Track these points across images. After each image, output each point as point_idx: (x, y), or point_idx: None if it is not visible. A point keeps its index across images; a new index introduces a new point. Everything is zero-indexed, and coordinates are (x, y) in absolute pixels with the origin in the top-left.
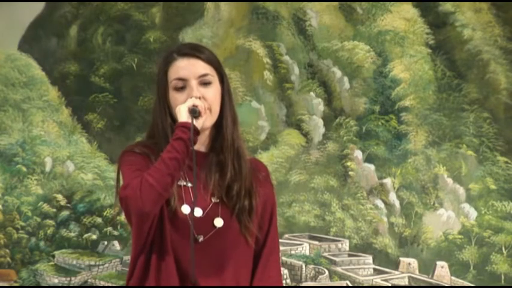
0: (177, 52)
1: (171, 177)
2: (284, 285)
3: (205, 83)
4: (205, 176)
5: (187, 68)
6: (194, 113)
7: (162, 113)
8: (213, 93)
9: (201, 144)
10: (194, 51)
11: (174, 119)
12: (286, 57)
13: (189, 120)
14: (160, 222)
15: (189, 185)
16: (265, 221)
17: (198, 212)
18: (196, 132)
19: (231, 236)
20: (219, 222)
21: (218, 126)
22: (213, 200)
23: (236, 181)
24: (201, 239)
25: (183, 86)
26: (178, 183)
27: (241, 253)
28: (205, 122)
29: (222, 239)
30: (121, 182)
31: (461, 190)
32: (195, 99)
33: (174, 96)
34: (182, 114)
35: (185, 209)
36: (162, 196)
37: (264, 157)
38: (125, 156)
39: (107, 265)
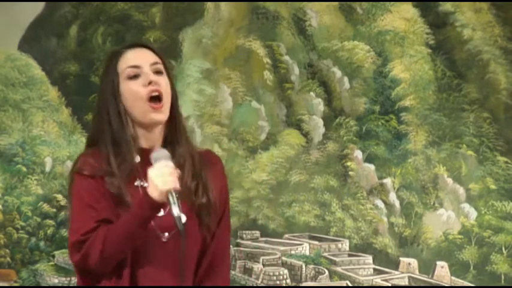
0: (124, 47)
1: (132, 245)
2: (284, 285)
3: (157, 72)
4: None
5: (139, 56)
6: (182, 224)
7: (115, 109)
8: (166, 82)
9: (154, 141)
10: (141, 43)
11: (128, 111)
12: (286, 57)
13: (166, 200)
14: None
15: (145, 184)
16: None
17: (160, 212)
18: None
19: (192, 233)
20: (183, 217)
21: (169, 122)
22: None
23: (194, 178)
24: (165, 237)
25: (136, 74)
26: (135, 183)
27: (200, 250)
28: (164, 115)
29: (185, 237)
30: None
31: (461, 190)
32: (166, 179)
33: (128, 85)
34: (159, 187)
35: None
36: (123, 255)
37: (264, 157)
38: (74, 182)
39: None
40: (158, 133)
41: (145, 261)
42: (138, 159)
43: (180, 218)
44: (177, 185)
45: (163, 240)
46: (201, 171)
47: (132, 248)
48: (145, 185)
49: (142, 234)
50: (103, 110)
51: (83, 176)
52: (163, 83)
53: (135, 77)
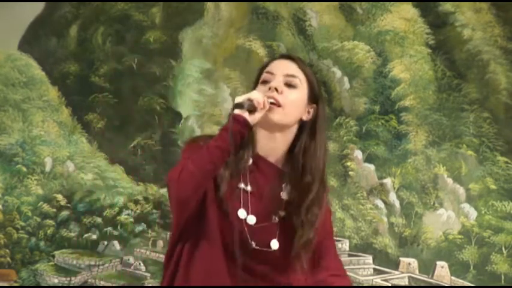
0: (280, 55)
1: (212, 165)
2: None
3: (290, 85)
4: (270, 189)
5: (279, 65)
6: (238, 106)
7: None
8: (294, 96)
9: (274, 157)
10: (296, 58)
11: None
12: None
13: (241, 113)
14: (208, 217)
15: (249, 189)
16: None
17: (252, 220)
18: (246, 124)
19: (282, 259)
20: (274, 244)
21: (299, 146)
22: (273, 219)
23: (310, 209)
24: (253, 245)
25: (269, 80)
26: (239, 185)
27: (286, 278)
28: (272, 115)
29: (272, 261)
30: None
31: (461, 190)
32: (257, 92)
33: (258, 87)
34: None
35: (241, 213)
36: (200, 183)
37: None
38: (186, 146)
39: (107, 265)
40: (279, 143)
41: (229, 261)
42: (250, 161)
43: (240, 103)
44: (253, 96)
45: (253, 246)
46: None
47: (210, 170)
48: (248, 189)
49: (226, 148)
50: None
51: (195, 143)
52: (289, 96)
53: (267, 82)
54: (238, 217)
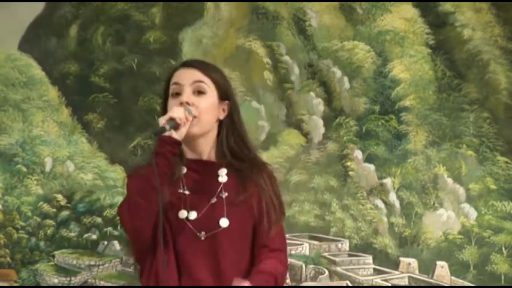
0: (182, 63)
1: (154, 191)
2: (284, 285)
3: (199, 91)
4: (205, 181)
5: (184, 74)
6: (160, 132)
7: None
8: (205, 102)
9: (199, 153)
10: (197, 64)
11: None
12: (286, 57)
13: (168, 133)
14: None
15: (186, 192)
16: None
17: (193, 215)
18: (175, 143)
19: (236, 238)
20: (224, 222)
21: (222, 142)
22: (211, 201)
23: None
24: (203, 236)
25: (178, 91)
26: (179, 190)
27: (244, 256)
28: (192, 129)
29: (226, 240)
30: None
31: (461, 190)
32: (175, 109)
33: (170, 102)
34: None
35: (181, 214)
36: (149, 210)
37: (264, 157)
38: (128, 179)
39: (107, 265)
40: (204, 145)
41: (192, 260)
42: (184, 170)
43: (163, 126)
44: (174, 114)
45: (202, 239)
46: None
47: (152, 195)
48: (186, 192)
49: (163, 172)
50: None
51: (136, 175)
52: (200, 104)
53: (177, 94)
54: (180, 219)
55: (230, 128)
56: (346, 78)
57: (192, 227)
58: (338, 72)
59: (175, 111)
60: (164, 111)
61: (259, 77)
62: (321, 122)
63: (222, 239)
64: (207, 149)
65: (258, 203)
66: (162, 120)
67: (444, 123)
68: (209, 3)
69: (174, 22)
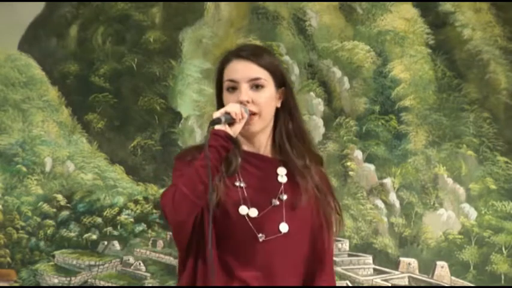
0: (234, 53)
1: (203, 185)
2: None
3: (256, 86)
4: (264, 178)
5: (240, 70)
6: (215, 122)
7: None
8: (263, 97)
9: (258, 147)
10: (251, 54)
11: None
12: (286, 57)
13: (222, 128)
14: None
15: (243, 185)
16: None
17: (254, 213)
18: (228, 138)
19: (293, 244)
20: (284, 227)
21: (281, 132)
22: (273, 203)
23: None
24: (262, 238)
25: (234, 87)
26: (235, 183)
27: (298, 264)
28: (252, 127)
29: (283, 246)
30: None
31: (461, 190)
32: (232, 104)
33: (226, 96)
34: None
35: (242, 209)
36: (195, 204)
37: None
38: (175, 163)
39: (106, 265)
40: (263, 139)
41: (241, 258)
42: (239, 160)
43: (218, 117)
44: (229, 109)
45: (260, 240)
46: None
47: (201, 191)
48: (243, 185)
49: (214, 166)
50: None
51: (183, 160)
52: (259, 99)
53: (233, 89)
54: (240, 214)
55: (287, 116)
56: (346, 78)
57: (252, 226)
58: (338, 72)
59: (232, 107)
60: (219, 106)
61: None
62: (321, 122)
63: (279, 244)
64: (264, 141)
65: (316, 207)
66: (217, 114)
67: (444, 123)
68: (209, 3)
69: (174, 22)
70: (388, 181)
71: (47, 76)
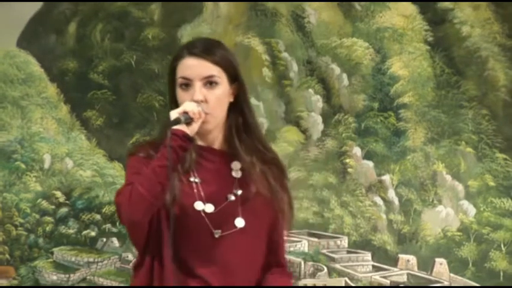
0: (187, 50)
1: (160, 186)
2: None
3: (210, 83)
4: (219, 173)
5: (193, 68)
6: (175, 123)
7: (171, 106)
8: (217, 95)
9: (210, 141)
10: (204, 51)
11: None
12: (285, 54)
13: (180, 127)
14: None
15: (197, 180)
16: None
17: (210, 208)
18: (187, 138)
19: (250, 239)
20: (239, 222)
21: (232, 125)
22: (228, 198)
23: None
24: (218, 234)
25: (188, 84)
26: (190, 179)
27: (256, 258)
28: (206, 125)
29: (240, 241)
30: None
31: (460, 187)
32: (189, 103)
33: (179, 93)
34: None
35: (198, 205)
36: (152, 205)
37: None
38: (128, 160)
39: (105, 262)
40: (216, 133)
41: (196, 255)
42: (193, 155)
43: (178, 117)
44: (187, 108)
45: (216, 236)
46: (264, 174)
47: (159, 191)
48: (197, 180)
49: (172, 166)
50: (168, 108)
51: (137, 157)
52: (212, 97)
53: (186, 86)
54: (195, 210)
55: (238, 111)
56: (344, 75)
57: (208, 222)
58: (337, 69)
59: (189, 106)
60: (173, 103)
61: (258, 73)
62: (319, 119)
63: (236, 239)
64: (217, 135)
65: (270, 201)
66: (175, 114)
67: (443, 120)
68: None
69: (172, 19)
70: (386, 178)
71: (45, 73)
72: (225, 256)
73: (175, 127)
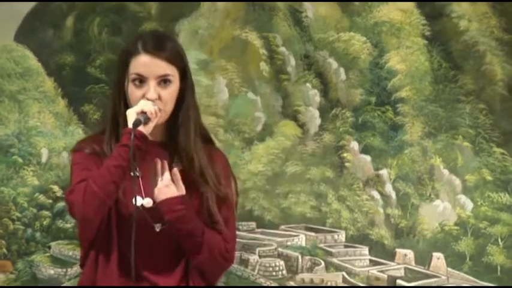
0: (142, 45)
1: (115, 185)
2: (280, 276)
3: (164, 81)
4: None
5: (148, 66)
6: (137, 124)
7: (117, 99)
8: (170, 92)
9: (154, 135)
10: (158, 48)
11: (128, 107)
12: (283, 49)
13: (139, 128)
14: (109, 216)
15: (137, 174)
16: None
17: (148, 202)
18: (144, 138)
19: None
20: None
21: (174, 120)
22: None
23: (193, 171)
24: (158, 228)
25: (142, 80)
26: (131, 173)
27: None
28: (158, 121)
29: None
30: None
31: (457, 181)
32: (146, 102)
33: (131, 89)
34: (130, 120)
35: (137, 200)
36: (105, 203)
37: (260, 148)
38: (74, 156)
39: None
40: (159, 128)
41: (137, 249)
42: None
43: (138, 119)
44: (145, 108)
45: (157, 230)
46: (203, 164)
47: (113, 190)
48: (137, 174)
49: (127, 166)
50: (111, 101)
51: (83, 153)
52: (165, 95)
53: (140, 82)
54: (135, 205)
55: (184, 105)
56: (342, 70)
57: (148, 216)
58: (334, 63)
59: (146, 105)
60: (120, 95)
61: (256, 68)
62: (317, 113)
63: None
64: (161, 129)
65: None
66: (133, 114)
67: (440, 115)
68: None
69: (170, 13)
70: (384, 172)
71: (43, 67)
72: (165, 249)
73: (129, 127)
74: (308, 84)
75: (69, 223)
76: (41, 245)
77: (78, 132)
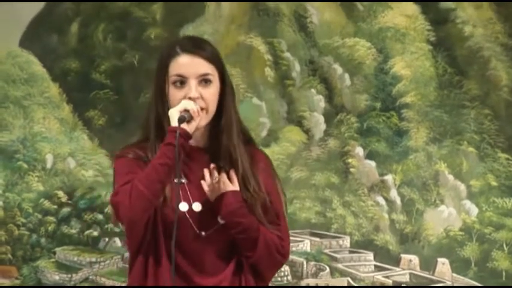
0: (180, 47)
1: (160, 184)
2: (285, 281)
3: (205, 81)
4: (199, 173)
5: (188, 65)
6: (182, 120)
7: (159, 103)
8: (211, 92)
9: (197, 140)
10: (197, 48)
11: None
12: (287, 54)
13: (183, 126)
14: (156, 222)
15: (183, 181)
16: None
17: (197, 207)
18: (188, 136)
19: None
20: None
21: (216, 124)
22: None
23: (240, 175)
24: (203, 234)
25: (182, 81)
26: (175, 180)
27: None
28: (200, 122)
29: (226, 235)
30: None
31: (462, 187)
32: (188, 102)
33: (172, 91)
34: (173, 119)
35: (183, 206)
36: (152, 203)
37: None
38: (117, 162)
39: (108, 262)
40: (201, 133)
41: (187, 254)
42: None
43: (183, 115)
44: (188, 107)
45: (203, 235)
46: (246, 169)
47: (159, 189)
48: (183, 181)
49: (172, 165)
50: (153, 106)
51: (126, 158)
52: (207, 95)
53: (181, 84)
54: (181, 212)
55: (225, 110)
56: (347, 75)
57: (193, 222)
58: (339, 69)
59: (189, 104)
60: (160, 100)
61: (260, 73)
62: (322, 119)
63: (220, 236)
64: (204, 134)
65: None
66: (176, 112)
67: (445, 120)
68: None
69: (175, 19)
70: (389, 178)
71: (48, 73)
72: (208, 254)
73: (173, 125)
74: (313, 90)
75: (74, 229)
76: (46, 250)
77: (83, 138)
